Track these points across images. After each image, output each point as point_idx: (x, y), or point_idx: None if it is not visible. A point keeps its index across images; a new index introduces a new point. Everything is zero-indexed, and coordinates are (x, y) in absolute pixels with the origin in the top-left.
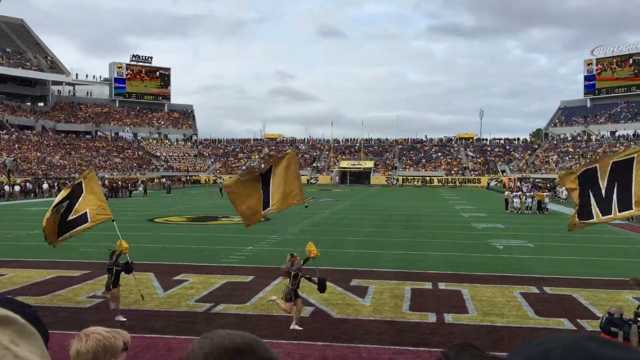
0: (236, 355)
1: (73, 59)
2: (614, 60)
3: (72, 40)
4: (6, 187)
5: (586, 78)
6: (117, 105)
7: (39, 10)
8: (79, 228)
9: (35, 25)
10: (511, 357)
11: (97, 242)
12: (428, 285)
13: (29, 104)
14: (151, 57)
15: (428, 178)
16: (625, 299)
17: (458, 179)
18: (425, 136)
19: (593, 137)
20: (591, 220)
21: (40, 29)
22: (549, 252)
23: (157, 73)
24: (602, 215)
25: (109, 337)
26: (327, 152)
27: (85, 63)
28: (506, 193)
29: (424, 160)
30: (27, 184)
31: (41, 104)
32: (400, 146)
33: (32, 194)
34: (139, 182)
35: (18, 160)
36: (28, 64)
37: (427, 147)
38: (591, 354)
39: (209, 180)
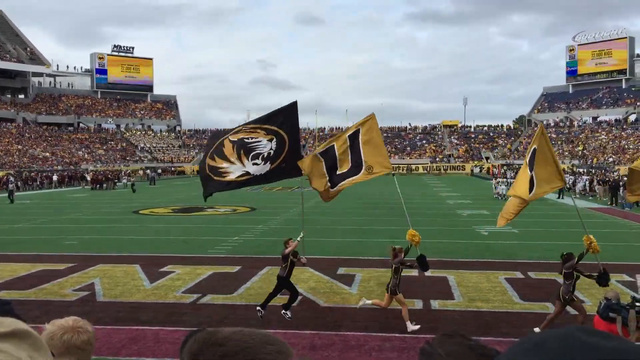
0: (260, 346)
1: (53, 50)
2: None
3: (52, 31)
4: None
5: (568, 64)
6: (99, 96)
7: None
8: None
9: (14, 15)
10: (510, 350)
11: (81, 234)
12: (414, 272)
13: (9, 96)
14: (133, 48)
15: (413, 166)
16: (610, 283)
17: (443, 166)
18: (410, 124)
19: (575, 123)
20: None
21: (19, 19)
22: (534, 238)
23: (139, 63)
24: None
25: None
26: (312, 142)
27: (65, 54)
28: (494, 181)
29: (408, 148)
30: (10, 177)
31: (22, 96)
32: (385, 134)
33: (16, 187)
34: (122, 173)
35: None
36: (7, 55)
37: (411, 135)
38: (582, 342)
39: (194, 171)
